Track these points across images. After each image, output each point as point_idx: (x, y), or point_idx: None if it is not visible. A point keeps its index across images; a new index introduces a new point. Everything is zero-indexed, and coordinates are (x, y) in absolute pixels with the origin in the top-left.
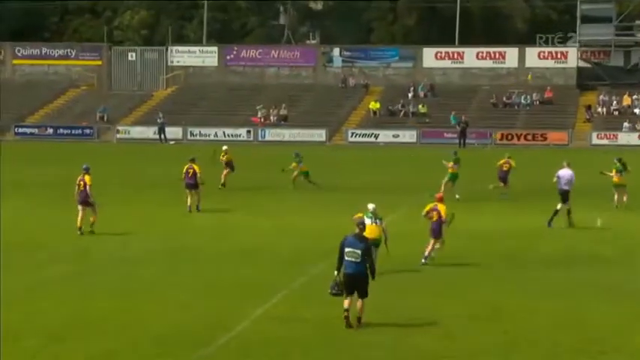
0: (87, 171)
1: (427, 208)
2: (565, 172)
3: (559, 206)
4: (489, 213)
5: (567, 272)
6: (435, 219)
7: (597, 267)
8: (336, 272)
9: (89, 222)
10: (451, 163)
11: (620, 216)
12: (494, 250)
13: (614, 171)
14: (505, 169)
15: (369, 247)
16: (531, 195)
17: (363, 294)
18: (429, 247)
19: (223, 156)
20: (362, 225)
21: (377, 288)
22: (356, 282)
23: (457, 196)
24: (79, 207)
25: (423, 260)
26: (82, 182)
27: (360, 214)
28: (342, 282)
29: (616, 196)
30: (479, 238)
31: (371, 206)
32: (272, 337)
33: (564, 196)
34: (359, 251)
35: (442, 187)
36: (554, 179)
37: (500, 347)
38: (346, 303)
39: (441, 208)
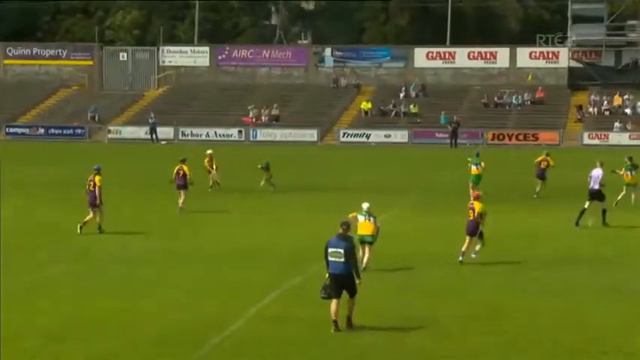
0: (98, 171)
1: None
2: (595, 172)
3: (586, 205)
4: (488, 213)
5: (568, 272)
6: (471, 217)
7: (598, 267)
8: (327, 275)
9: (95, 222)
10: (470, 164)
11: (620, 215)
12: (494, 250)
13: (623, 169)
14: (543, 166)
15: (352, 246)
16: (528, 195)
17: (352, 293)
18: (465, 245)
19: (208, 162)
20: (345, 225)
21: (372, 287)
22: (342, 282)
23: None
24: (89, 208)
25: (460, 258)
26: (91, 183)
27: (354, 214)
28: (329, 284)
29: (620, 195)
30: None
31: (365, 205)
32: (266, 337)
33: (594, 195)
34: (341, 250)
35: (471, 189)
36: (589, 179)
37: (500, 347)
38: (333, 308)
39: (477, 205)
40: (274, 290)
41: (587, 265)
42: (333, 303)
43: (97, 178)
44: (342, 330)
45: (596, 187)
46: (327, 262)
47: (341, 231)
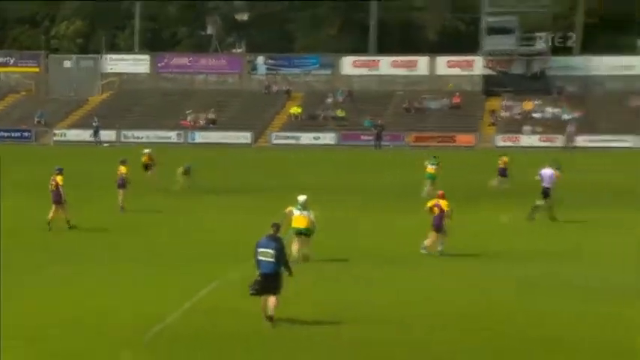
0: (60, 172)
1: (430, 203)
2: (546, 171)
3: (539, 202)
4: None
5: (524, 269)
6: (436, 213)
7: (553, 263)
8: (257, 273)
9: (64, 219)
10: (427, 163)
11: (562, 212)
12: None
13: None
14: (502, 166)
15: (282, 246)
16: (468, 194)
17: (276, 290)
18: (430, 239)
19: (148, 160)
20: (275, 227)
21: (309, 279)
22: (270, 280)
23: (424, 193)
24: (53, 205)
25: (422, 250)
26: (53, 182)
27: (290, 208)
28: (259, 281)
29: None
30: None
31: (301, 198)
32: (201, 330)
33: (546, 193)
34: (271, 251)
35: (425, 187)
36: (537, 177)
37: (428, 328)
38: (263, 305)
39: (443, 203)
40: (209, 285)
41: (535, 260)
42: (263, 300)
43: (59, 178)
44: (272, 323)
45: (548, 185)
46: (257, 261)
47: (271, 232)
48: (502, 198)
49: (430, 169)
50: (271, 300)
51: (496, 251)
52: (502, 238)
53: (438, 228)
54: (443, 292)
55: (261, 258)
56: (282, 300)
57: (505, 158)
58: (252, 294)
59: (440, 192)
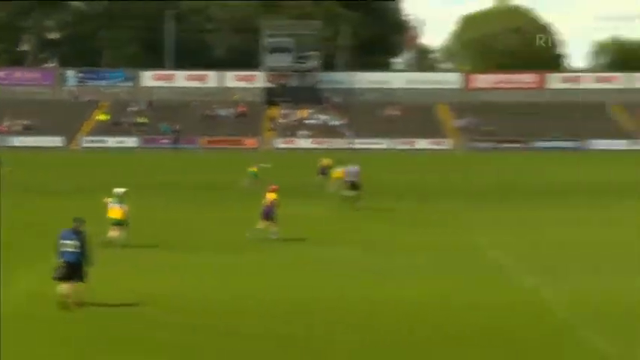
0: None
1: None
2: (352, 169)
3: (349, 194)
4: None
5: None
6: (268, 204)
7: (349, 248)
8: (60, 260)
9: None
10: (254, 167)
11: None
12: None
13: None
14: (323, 166)
15: (84, 238)
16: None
17: (80, 278)
18: (260, 226)
19: None
20: (77, 222)
21: (124, 268)
22: (75, 268)
23: (244, 184)
24: None
25: (248, 235)
26: None
27: (107, 199)
28: (62, 268)
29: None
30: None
31: (119, 190)
32: (18, 313)
33: (353, 186)
34: (74, 242)
35: (244, 183)
36: (346, 173)
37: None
38: (64, 288)
39: (271, 196)
40: (21, 275)
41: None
42: (65, 285)
43: None
44: (70, 307)
45: (354, 179)
46: (61, 251)
47: (74, 225)
48: (316, 192)
49: (253, 168)
50: (76, 287)
51: (314, 238)
52: (322, 227)
53: (268, 216)
54: (262, 277)
55: (65, 249)
56: (88, 287)
57: (325, 161)
58: (55, 279)
59: (273, 186)
